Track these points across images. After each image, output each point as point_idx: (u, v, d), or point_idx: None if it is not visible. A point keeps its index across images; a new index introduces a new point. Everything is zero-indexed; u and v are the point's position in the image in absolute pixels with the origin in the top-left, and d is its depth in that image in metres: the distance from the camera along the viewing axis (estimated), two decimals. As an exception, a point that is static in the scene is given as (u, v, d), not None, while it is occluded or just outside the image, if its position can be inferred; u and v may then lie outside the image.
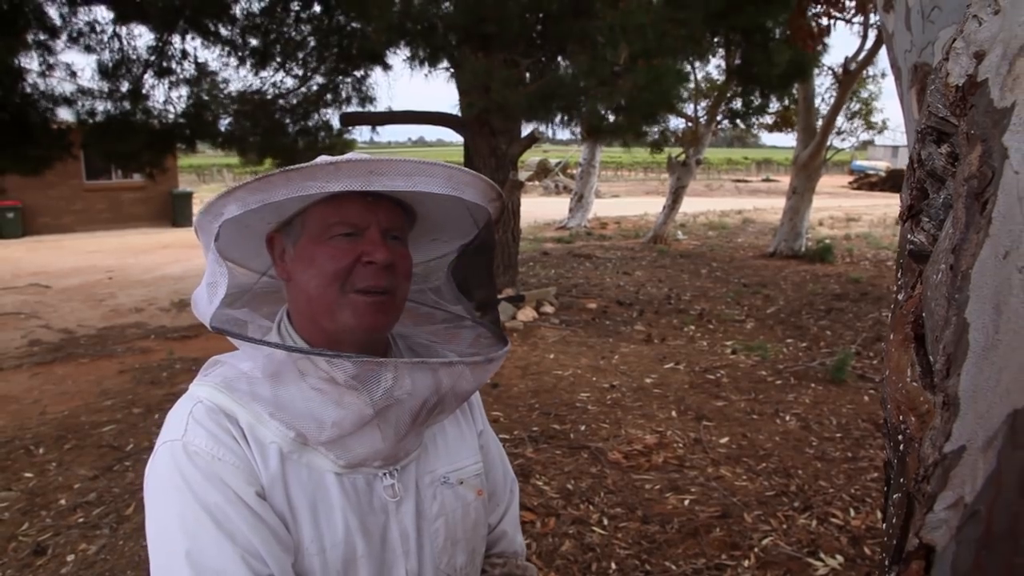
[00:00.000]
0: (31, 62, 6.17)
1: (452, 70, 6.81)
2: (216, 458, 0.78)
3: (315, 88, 7.73)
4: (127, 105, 6.70)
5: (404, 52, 6.47)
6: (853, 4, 10.25)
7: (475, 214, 0.93)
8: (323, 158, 0.85)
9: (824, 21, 10.03)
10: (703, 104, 12.77)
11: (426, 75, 6.86)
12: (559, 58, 6.78)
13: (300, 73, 7.63)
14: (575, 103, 6.04)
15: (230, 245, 0.91)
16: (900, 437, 0.83)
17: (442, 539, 0.91)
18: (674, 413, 4.42)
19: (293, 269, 0.87)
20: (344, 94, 7.73)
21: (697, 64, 11.47)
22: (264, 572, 0.76)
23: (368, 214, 0.84)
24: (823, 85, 13.40)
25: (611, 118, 6.67)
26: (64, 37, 6.33)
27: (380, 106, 7.80)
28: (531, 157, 26.47)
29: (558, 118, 6.35)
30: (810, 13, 9.68)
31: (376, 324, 0.86)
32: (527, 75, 6.18)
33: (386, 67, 7.54)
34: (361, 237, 0.84)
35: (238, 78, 7.67)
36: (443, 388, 0.85)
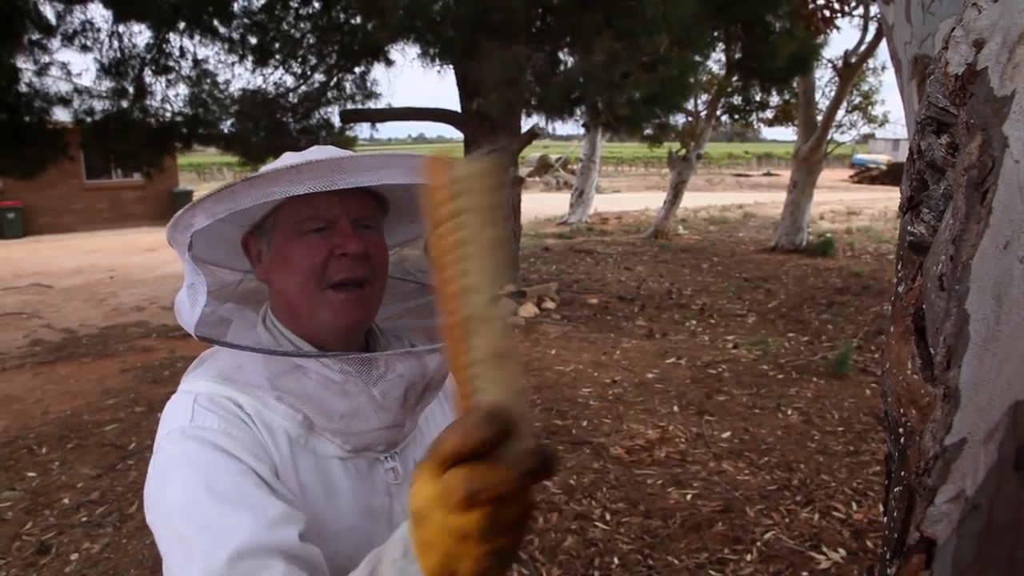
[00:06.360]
0: (26, 61, 6.15)
1: (454, 65, 6.73)
2: (228, 435, 0.76)
3: (316, 86, 7.70)
4: (124, 104, 6.69)
5: (414, 50, 6.38)
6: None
7: None
8: (287, 157, 0.85)
9: (826, 14, 9.99)
10: (703, 98, 12.72)
11: (439, 72, 6.79)
12: (567, 48, 6.66)
13: (300, 71, 7.60)
14: (607, 93, 5.92)
15: (209, 251, 0.91)
16: (901, 430, 0.82)
17: None
18: (676, 408, 4.42)
19: (270, 270, 0.87)
20: (349, 90, 7.70)
21: (698, 59, 11.43)
22: (290, 536, 0.70)
23: (338, 206, 0.83)
24: (823, 79, 13.31)
25: (636, 109, 6.57)
26: (59, 36, 6.31)
27: (383, 102, 7.79)
28: (531, 153, 26.41)
29: (579, 111, 6.27)
30: (811, 7, 9.65)
31: (355, 319, 0.86)
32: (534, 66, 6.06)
33: (388, 63, 7.51)
34: (333, 230, 0.83)
35: (238, 77, 7.66)
36: (431, 370, 0.87)
